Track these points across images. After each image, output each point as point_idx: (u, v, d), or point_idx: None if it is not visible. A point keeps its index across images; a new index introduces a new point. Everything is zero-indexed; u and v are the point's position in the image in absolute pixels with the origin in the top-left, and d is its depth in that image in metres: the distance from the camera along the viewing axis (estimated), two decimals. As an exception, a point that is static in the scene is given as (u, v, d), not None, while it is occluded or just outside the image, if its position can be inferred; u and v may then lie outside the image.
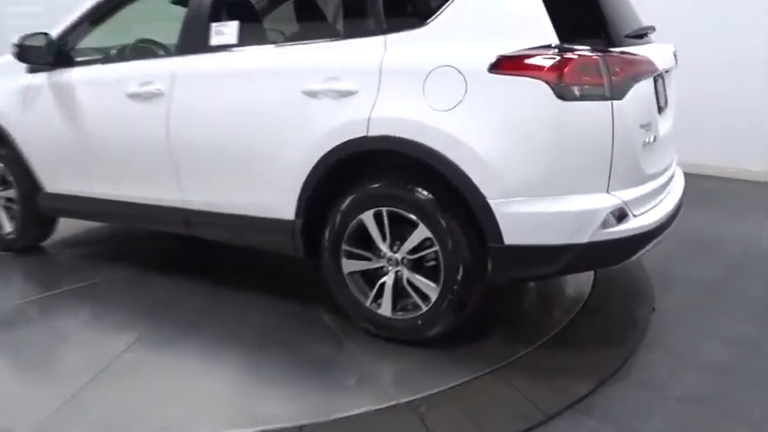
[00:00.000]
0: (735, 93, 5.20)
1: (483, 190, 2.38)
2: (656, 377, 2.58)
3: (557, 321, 2.95)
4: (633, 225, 2.40)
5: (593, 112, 2.30)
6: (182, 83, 3.04)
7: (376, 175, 2.68)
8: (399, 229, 2.66)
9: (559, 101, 2.27)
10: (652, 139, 2.53)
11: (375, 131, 2.52)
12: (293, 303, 3.18)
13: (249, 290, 3.34)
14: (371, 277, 2.78)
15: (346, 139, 2.59)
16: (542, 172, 2.33)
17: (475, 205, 2.42)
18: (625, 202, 2.39)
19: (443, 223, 2.50)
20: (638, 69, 2.45)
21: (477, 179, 2.38)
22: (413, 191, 2.55)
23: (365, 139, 2.54)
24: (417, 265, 2.66)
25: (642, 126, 2.46)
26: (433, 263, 2.63)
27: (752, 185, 5.29)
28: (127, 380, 2.59)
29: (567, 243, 2.35)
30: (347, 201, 2.70)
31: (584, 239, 2.34)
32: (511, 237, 2.39)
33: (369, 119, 2.52)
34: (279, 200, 2.84)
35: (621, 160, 2.36)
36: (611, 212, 2.35)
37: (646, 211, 2.48)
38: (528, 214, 2.36)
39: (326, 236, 2.79)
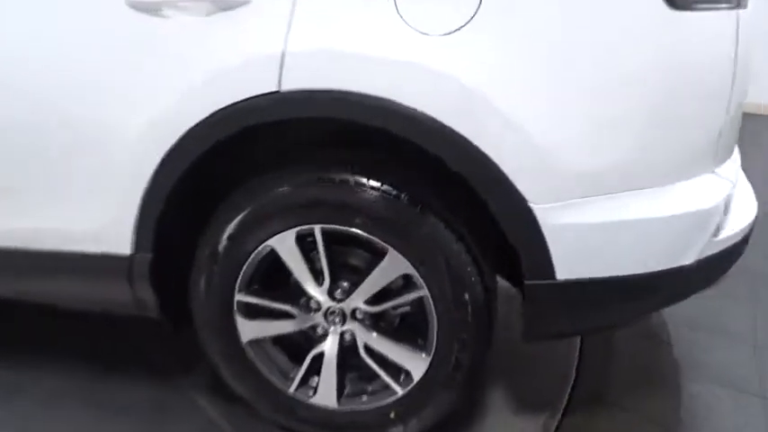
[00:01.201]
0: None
1: (522, 188, 1.25)
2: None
3: (567, 361, 1.96)
4: (740, 224, 1.45)
5: (714, 28, 1.25)
6: None
7: (292, 158, 1.44)
8: (345, 259, 1.47)
9: (671, 11, 1.18)
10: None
11: (296, 83, 1.25)
12: (147, 379, 1.86)
13: (70, 355, 1.95)
14: (296, 345, 1.57)
15: (232, 102, 1.28)
16: (633, 145, 1.26)
17: (504, 215, 1.29)
18: (733, 185, 1.41)
19: (437, 249, 1.35)
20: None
21: (510, 168, 1.24)
22: (373, 191, 1.35)
23: (276, 99, 1.26)
24: (382, 321, 1.51)
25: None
26: (404, 309, 1.50)
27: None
28: None
29: (667, 269, 1.33)
30: (239, 216, 1.42)
31: (692, 259, 1.34)
32: (569, 267, 1.31)
33: (281, 57, 1.23)
34: (98, 220, 1.47)
35: (733, 111, 1.36)
36: (724, 207, 1.37)
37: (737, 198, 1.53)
38: (601, 227, 1.29)
39: (202, 281, 1.50)
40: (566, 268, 1.31)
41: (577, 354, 1.99)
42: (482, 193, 1.27)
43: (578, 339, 2.03)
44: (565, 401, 1.78)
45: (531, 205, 1.26)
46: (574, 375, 1.89)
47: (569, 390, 1.83)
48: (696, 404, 1.84)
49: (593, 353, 2.01)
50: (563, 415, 1.73)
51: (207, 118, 1.30)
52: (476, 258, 1.38)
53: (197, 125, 1.31)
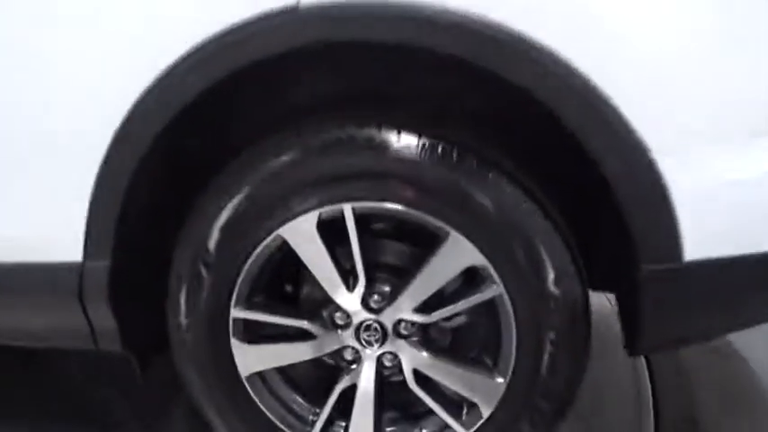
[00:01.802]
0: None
1: (642, 132, 0.89)
2: None
3: (637, 383, 1.59)
4: None
5: None
6: None
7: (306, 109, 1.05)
8: (378, 255, 1.08)
9: None
10: None
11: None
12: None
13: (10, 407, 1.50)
14: (316, 376, 1.15)
15: (221, 31, 0.90)
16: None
17: (614, 173, 0.92)
18: None
19: (517, 230, 0.98)
20: None
21: (625, 102, 0.88)
22: (427, 153, 0.97)
23: (294, 19, 0.88)
24: (434, 336, 1.11)
25: None
26: (462, 319, 1.11)
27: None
28: None
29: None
30: (236, 198, 1.02)
31: None
32: (702, 243, 0.94)
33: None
34: (31, 217, 1.05)
35: None
36: None
37: None
38: (747, 183, 0.94)
39: (183, 293, 1.08)
40: (700, 245, 0.94)
41: (647, 374, 1.62)
42: (586, 143, 0.91)
43: (643, 358, 1.67)
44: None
45: (655, 156, 0.90)
46: (651, 401, 1.52)
47: (653, 421, 1.45)
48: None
49: (663, 372, 1.65)
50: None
51: (180, 62, 0.91)
52: (568, 242, 1.01)
53: (165, 74, 0.92)
